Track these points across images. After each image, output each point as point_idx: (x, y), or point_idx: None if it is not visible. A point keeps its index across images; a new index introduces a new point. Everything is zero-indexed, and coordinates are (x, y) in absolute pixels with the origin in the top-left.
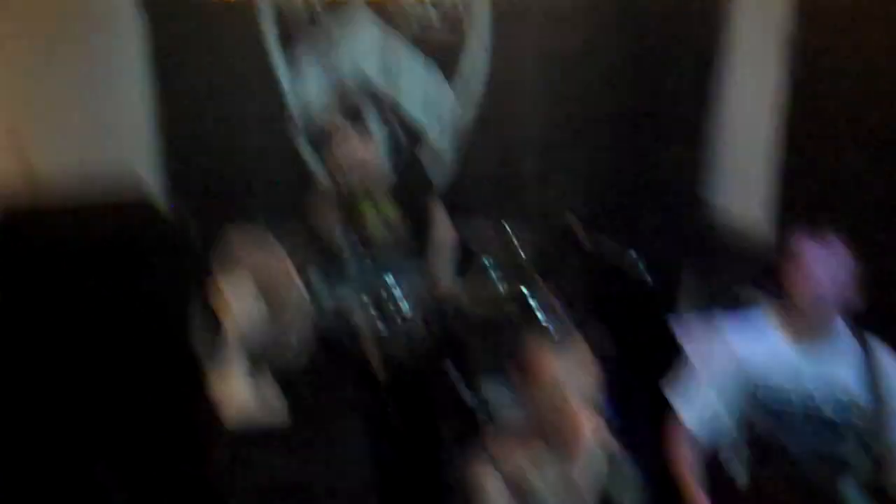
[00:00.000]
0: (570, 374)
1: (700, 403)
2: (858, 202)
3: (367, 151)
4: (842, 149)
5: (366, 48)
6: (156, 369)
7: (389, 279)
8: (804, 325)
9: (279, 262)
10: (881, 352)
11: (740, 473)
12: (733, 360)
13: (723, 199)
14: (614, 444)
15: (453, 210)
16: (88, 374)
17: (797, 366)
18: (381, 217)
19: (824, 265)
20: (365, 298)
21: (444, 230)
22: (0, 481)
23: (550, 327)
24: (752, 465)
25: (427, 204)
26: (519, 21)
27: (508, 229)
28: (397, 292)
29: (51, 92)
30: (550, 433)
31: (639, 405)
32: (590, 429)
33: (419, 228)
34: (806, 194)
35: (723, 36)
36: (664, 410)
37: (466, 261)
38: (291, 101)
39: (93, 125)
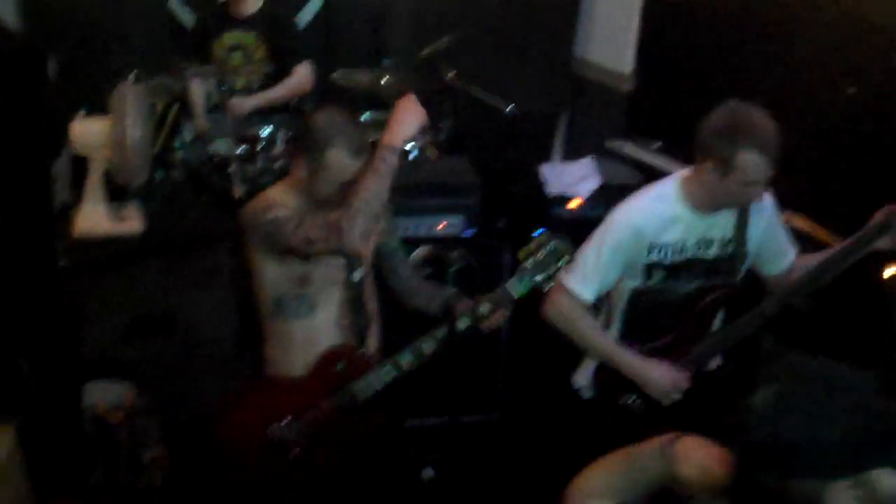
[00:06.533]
0: None
1: (594, 272)
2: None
3: None
4: None
5: None
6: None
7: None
8: (710, 196)
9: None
10: (766, 205)
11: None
12: (630, 223)
13: (593, 54)
14: None
15: (328, 49)
16: None
17: (695, 223)
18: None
19: None
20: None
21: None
22: None
23: None
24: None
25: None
26: None
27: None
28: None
29: None
30: None
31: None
32: None
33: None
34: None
35: None
36: None
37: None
38: None
39: None
